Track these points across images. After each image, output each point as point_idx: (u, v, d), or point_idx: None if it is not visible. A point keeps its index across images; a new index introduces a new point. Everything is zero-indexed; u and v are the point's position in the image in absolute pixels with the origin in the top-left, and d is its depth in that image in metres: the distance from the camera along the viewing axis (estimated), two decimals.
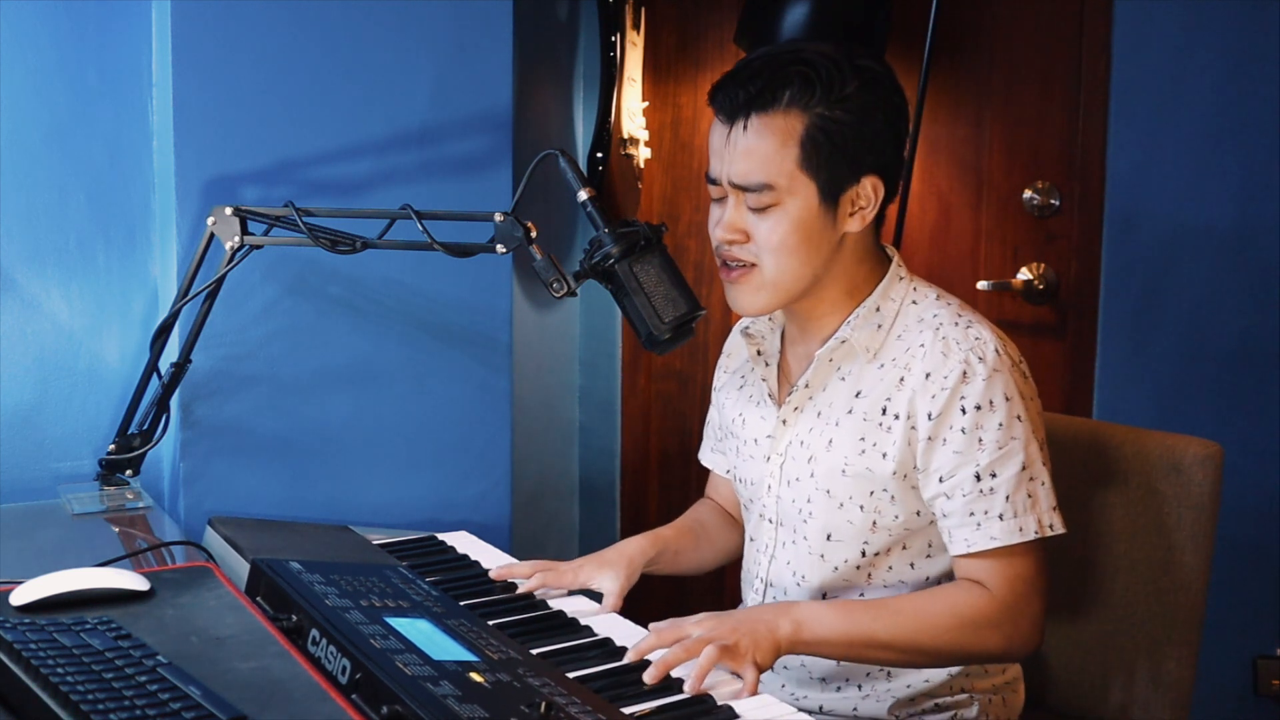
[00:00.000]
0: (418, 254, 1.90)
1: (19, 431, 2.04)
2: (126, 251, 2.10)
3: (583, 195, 1.67)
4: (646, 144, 2.95)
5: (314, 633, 1.36)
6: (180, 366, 1.93)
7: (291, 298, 2.09)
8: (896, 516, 1.63)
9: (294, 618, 1.41)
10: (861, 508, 1.64)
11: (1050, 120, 2.74)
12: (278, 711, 1.16)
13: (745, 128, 1.59)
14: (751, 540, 1.80)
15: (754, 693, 1.40)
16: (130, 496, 1.99)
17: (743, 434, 1.79)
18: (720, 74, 1.66)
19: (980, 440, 1.56)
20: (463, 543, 1.91)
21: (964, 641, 1.56)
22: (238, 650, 1.28)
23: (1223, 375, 2.70)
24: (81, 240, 2.07)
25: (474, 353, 2.24)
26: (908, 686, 1.67)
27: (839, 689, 1.69)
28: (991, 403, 1.57)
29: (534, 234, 1.71)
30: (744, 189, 1.61)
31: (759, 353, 1.78)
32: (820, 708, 1.70)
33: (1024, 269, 2.78)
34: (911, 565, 1.66)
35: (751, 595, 1.78)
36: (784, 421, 1.71)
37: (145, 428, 1.97)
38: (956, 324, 1.62)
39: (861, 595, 1.67)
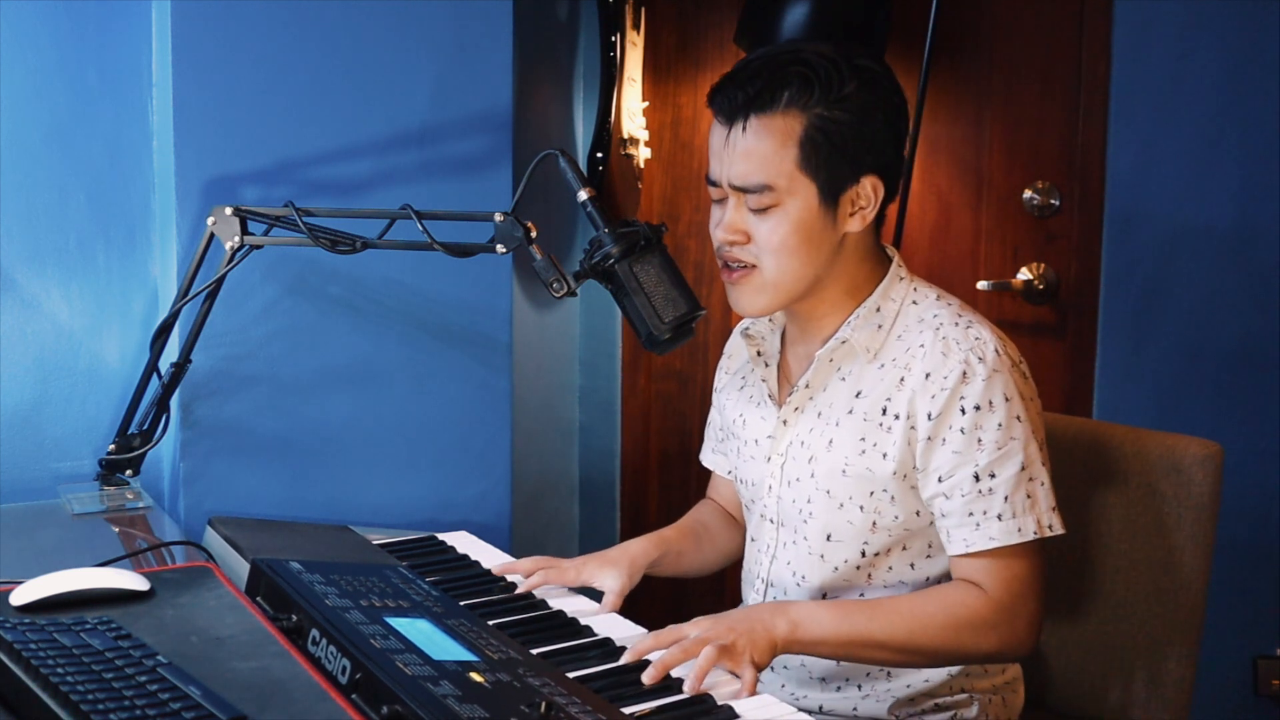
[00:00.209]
0: (418, 254, 1.90)
1: (19, 431, 2.04)
2: (126, 251, 2.10)
3: (583, 195, 1.67)
4: (646, 144, 2.95)
5: (314, 633, 1.36)
6: (180, 366, 1.93)
7: (291, 298, 2.09)
8: (896, 517, 1.63)
9: (294, 618, 1.41)
10: (861, 508, 1.64)
11: (1050, 120, 2.74)
12: (278, 711, 1.16)
13: (744, 129, 1.59)
14: (753, 540, 1.80)
15: (752, 692, 1.40)
16: (130, 496, 1.99)
17: (743, 435, 1.79)
18: (720, 74, 1.66)
19: (979, 440, 1.56)
20: (463, 543, 1.91)
21: (960, 642, 1.56)
22: (238, 650, 1.28)
23: (1223, 375, 2.70)
24: (81, 240, 2.07)
25: (474, 353, 2.24)
26: (907, 686, 1.67)
27: (839, 689, 1.69)
28: (991, 403, 1.57)
29: (534, 234, 1.71)
30: (744, 190, 1.61)
31: (759, 353, 1.78)
32: (820, 707, 1.70)
33: (1024, 269, 2.78)
34: (911, 565, 1.66)
35: (752, 595, 1.79)
36: (784, 422, 1.71)
37: (145, 428, 1.97)
38: (956, 324, 1.62)
39: (862, 595, 1.67)
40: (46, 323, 2.05)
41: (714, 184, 1.64)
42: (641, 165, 2.95)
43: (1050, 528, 1.58)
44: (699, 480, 2.02)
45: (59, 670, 1.16)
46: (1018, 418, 1.57)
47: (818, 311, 1.69)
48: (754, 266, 1.63)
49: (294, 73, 2.06)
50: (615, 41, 2.84)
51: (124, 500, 1.98)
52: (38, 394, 2.05)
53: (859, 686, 1.68)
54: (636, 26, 2.89)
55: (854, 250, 1.66)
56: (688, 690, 1.38)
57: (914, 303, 1.67)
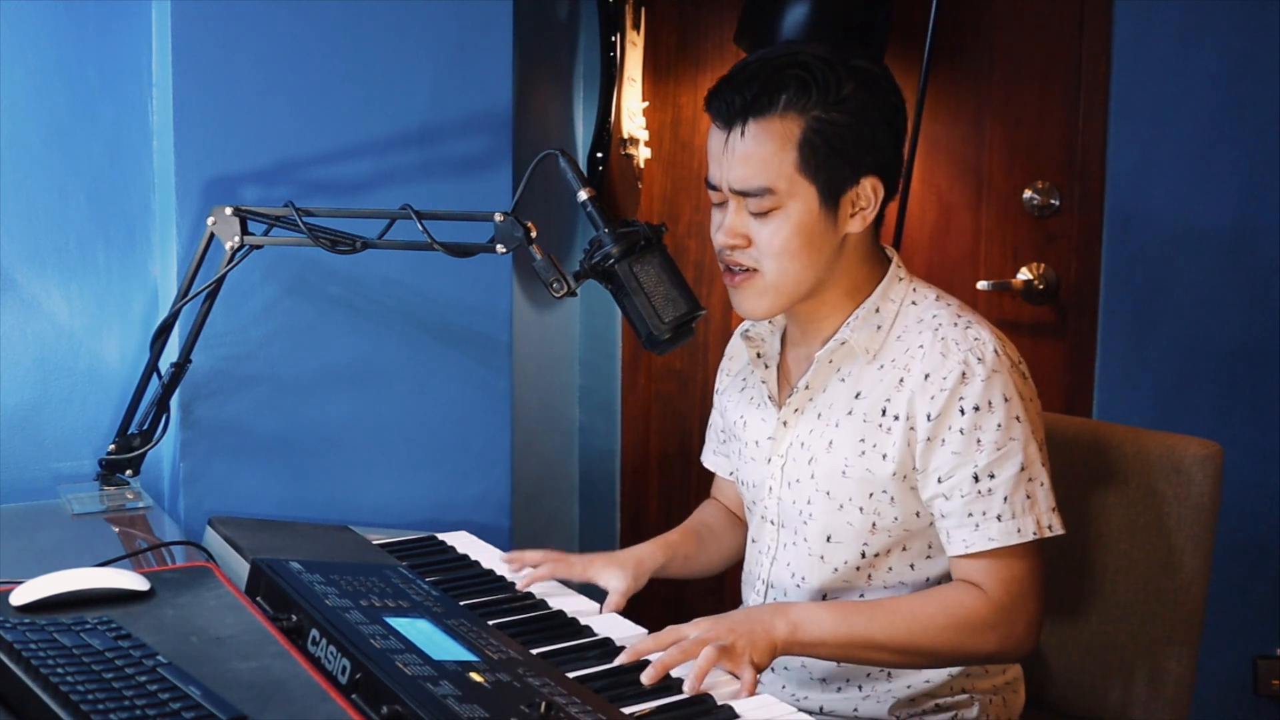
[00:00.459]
0: (418, 254, 1.90)
1: (19, 431, 2.04)
2: (126, 251, 2.10)
3: (583, 195, 1.67)
4: (646, 144, 2.95)
5: (314, 633, 1.36)
6: (180, 366, 1.93)
7: (291, 298, 2.09)
8: (896, 518, 1.63)
9: (294, 618, 1.41)
10: (861, 509, 1.64)
11: (1050, 120, 2.74)
12: (278, 711, 1.16)
13: (743, 134, 1.59)
14: (753, 542, 1.80)
15: (752, 692, 1.40)
16: (130, 496, 1.99)
17: (744, 436, 1.79)
18: (720, 74, 1.66)
19: (979, 441, 1.56)
20: (463, 543, 1.91)
21: (959, 643, 1.56)
22: (238, 650, 1.28)
23: (1223, 375, 2.70)
24: (81, 240, 2.07)
25: (474, 353, 2.24)
26: (908, 687, 1.67)
27: (839, 689, 1.69)
28: (990, 403, 1.57)
29: (534, 234, 1.71)
30: (744, 194, 1.60)
31: (759, 355, 1.78)
32: (821, 708, 1.70)
33: (1024, 269, 2.78)
34: (911, 566, 1.66)
35: (753, 596, 1.79)
36: (784, 423, 1.71)
37: (145, 428, 1.97)
38: (956, 324, 1.62)
39: (861, 596, 1.67)
40: (46, 323, 2.06)
41: (714, 187, 1.64)
42: (641, 165, 2.95)
43: (1050, 528, 1.58)
44: (699, 480, 2.03)
45: (59, 670, 1.16)
46: (1017, 418, 1.57)
47: (819, 313, 1.69)
48: (755, 270, 1.63)
49: (294, 73, 2.06)
50: (615, 41, 2.84)
51: (124, 500, 1.98)
52: (38, 394, 2.05)
53: (859, 687, 1.68)
54: (636, 26, 2.89)
55: (854, 251, 1.66)
56: (687, 690, 1.38)
57: (913, 303, 1.67)
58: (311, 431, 2.12)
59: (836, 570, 1.67)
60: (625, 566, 1.74)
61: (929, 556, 1.66)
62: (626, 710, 1.32)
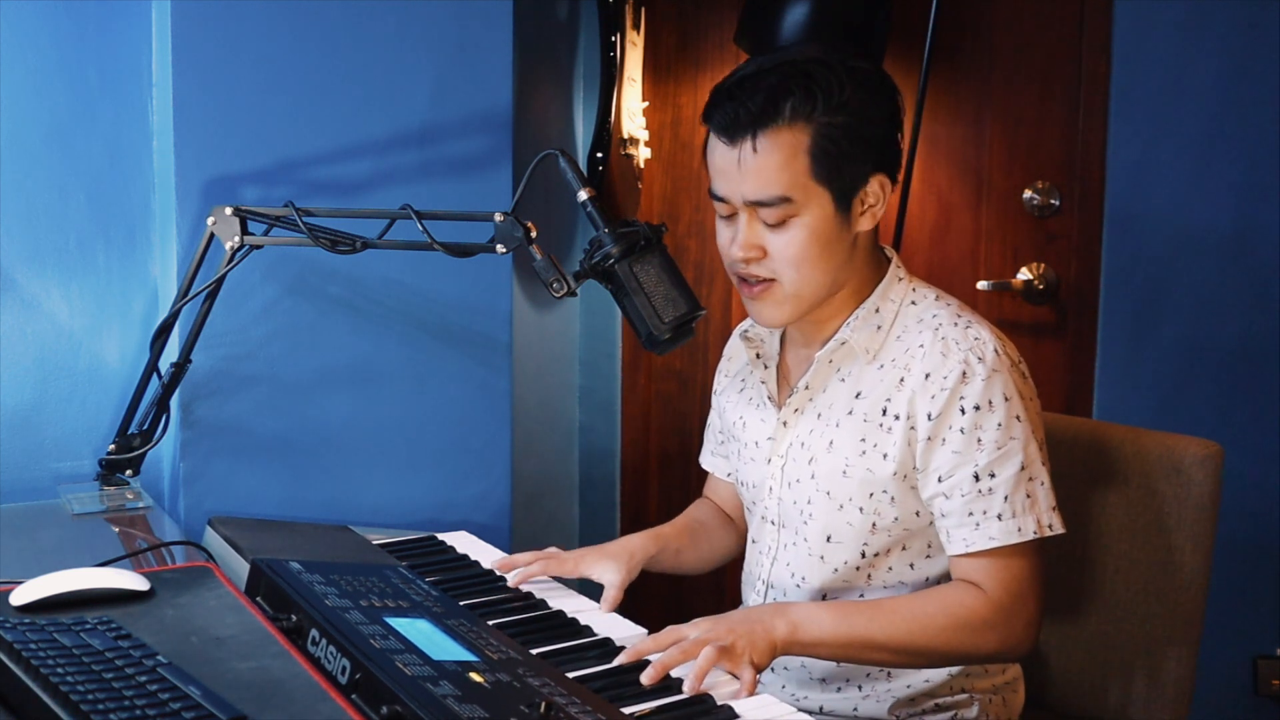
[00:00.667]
0: (418, 254, 1.90)
1: (19, 431, 2.04)
2: (126, 251, 2.10)
3: (583, 195, 1.67)
4: (646, 144, 2.95)
5: (314, 633, 1.36)
6: (180, 366, 1.93)
7: (291, 298, 2.09)
8: (896, 518, 1.63)
9: (294, 618, 1.41)
10: (861, 509, 1.64)
11: (1050, 120, 2.74)
12: (278, 711, 1.16)
13: (754, 148, 1.58)
14: (754, 542, 1.80)
15: (752, 692, 1.40)
16: (130, 496, 1.99)
17: (744, 436, 1.79)
18: (720, 74, 1.65)
19: (979, 440, 1.56)
20: (463, 543, 1.91)
21: (959, 642, 1.56)
22: (238, 650, 1.28)
23: (1223, 375, 2.70)
24: (81, 240, 2.07)
25: (474, 353, 2.24)
26: (908, 687, 1.67)
27: (839, 689, 1.69)
28: (990, 403, 1.57)
29: (534, 234, 1.71)
30: (761, 204, 1.60)
31: (758, 355, 1.78)
32: (820, 708, 1.70)
33: (1024, 269, 2.78)
34: (911, 566, 1.66)
35: (753, 597, 1.79)
36: (784, 423, 1.71)
37: (145, 428, 1.97)
38: (955, 324, 1.62)
39: (861, 596, 1.67)
40: (46, 323, 2.06)
41: (721, 200, 1.64)
42: (641, 165, 2.95)
43: (1050, 527, 1.58)
44: (699, 480, 2.02)
45: (59, 670, 1.16)
46: (1017, 417, 1.57)
47: (823, 314, 1.69)
48: (773, 280, 1.63)
49: (294, 73, 2.06)
50: (615, 41, 2.84)
51: (124, 500, 1.98)
52: (38, 394, 2.06)
53: (859, 687, 1.68)
54: (636, 26, 2.89)
55: (862, 250, 1.66)
56: (687, 690, 1.38)
57: (913, 303, 1.67)
58: (311, 431, 2.12)
59: (836, 570, 1.67)
60: (618, 559, 1.74)
61: (929, 556, 1.66)
62: (626, 710, 1.32)
